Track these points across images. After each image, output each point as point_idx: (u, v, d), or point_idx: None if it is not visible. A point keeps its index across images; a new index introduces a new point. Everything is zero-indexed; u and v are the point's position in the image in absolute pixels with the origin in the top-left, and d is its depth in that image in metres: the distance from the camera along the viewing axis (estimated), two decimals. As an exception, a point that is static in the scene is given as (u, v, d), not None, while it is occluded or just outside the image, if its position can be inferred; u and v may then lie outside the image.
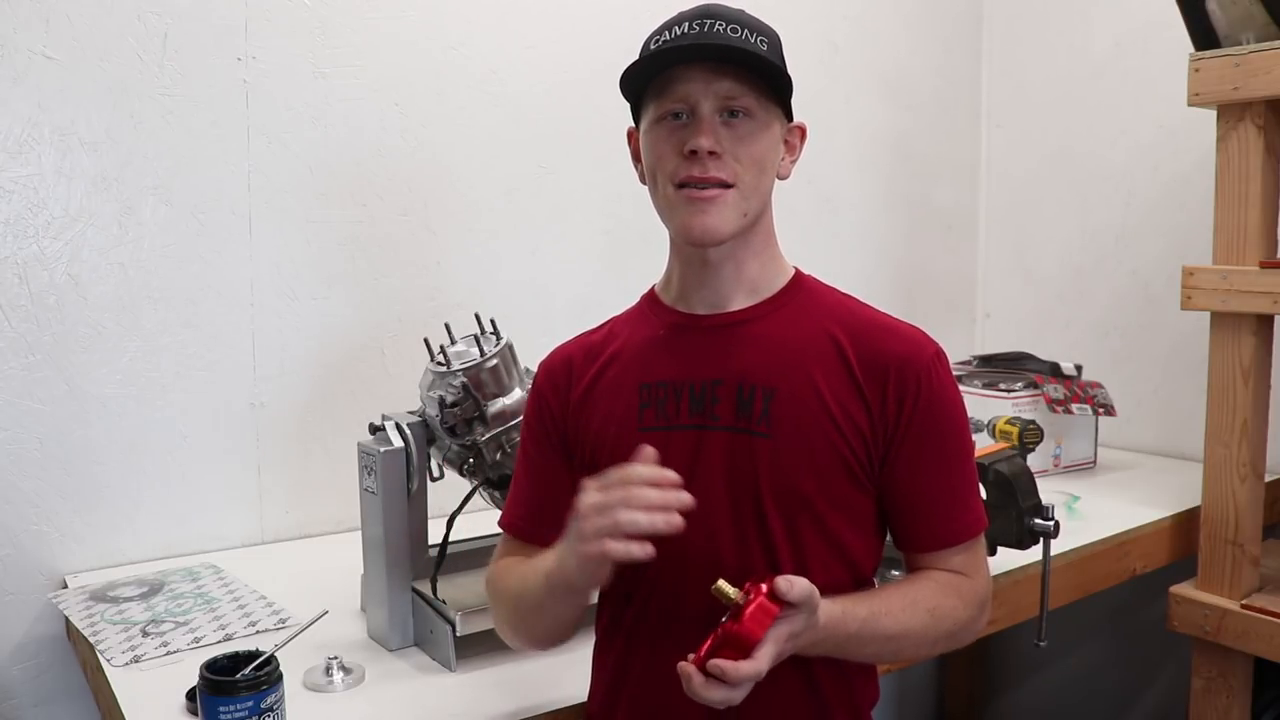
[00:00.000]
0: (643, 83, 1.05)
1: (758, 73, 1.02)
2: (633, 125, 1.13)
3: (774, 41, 1.06)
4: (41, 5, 1.55)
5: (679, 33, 1.03)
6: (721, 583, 0.90)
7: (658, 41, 1.05)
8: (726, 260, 1.08)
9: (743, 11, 1.06)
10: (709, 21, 1.02)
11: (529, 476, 1.17)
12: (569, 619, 1.08)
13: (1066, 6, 2.57)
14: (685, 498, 0.90)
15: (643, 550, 0.89)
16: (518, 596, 1.09)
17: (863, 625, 0.98)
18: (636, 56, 1.06)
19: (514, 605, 1.11)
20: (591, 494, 0.92)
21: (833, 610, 0.96)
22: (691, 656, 0.89)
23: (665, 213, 1.07)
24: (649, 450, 0.95)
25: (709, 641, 0.89)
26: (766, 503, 1.03)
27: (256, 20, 1.73)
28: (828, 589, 1.03)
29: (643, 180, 1.12)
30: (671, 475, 0.91)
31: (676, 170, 1.03)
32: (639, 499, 0.89)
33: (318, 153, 1.81)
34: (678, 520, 0.90)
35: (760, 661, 0.87)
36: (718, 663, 0.86)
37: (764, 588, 0.89)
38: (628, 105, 1.12)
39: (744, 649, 0.87)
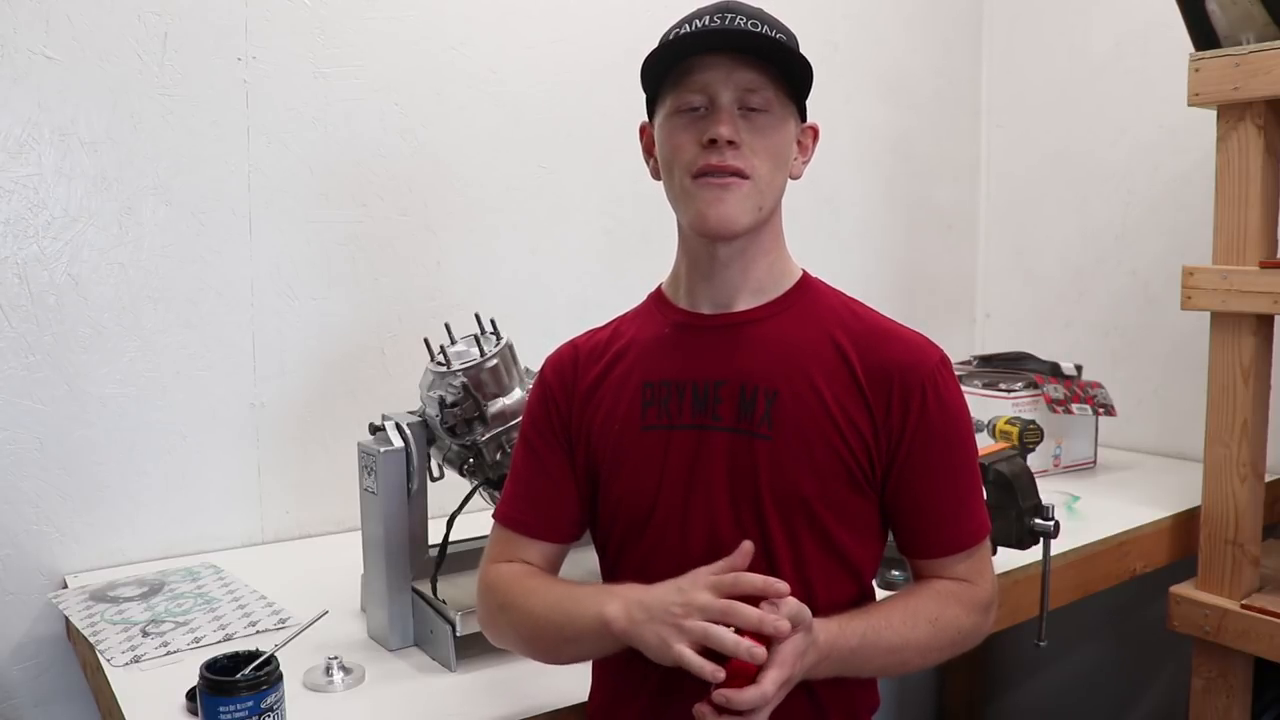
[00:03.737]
0: (661, 73, 1.05)
1: (778, 67, 1.02)
2: (645, 120, 1.12)
3: (792, 38, 1.06)
4: (42, 5, 1.55)
5: (699, 26, 1.03)
6: None
7: (677, 34, 1.04)
8: (735, 258, 1.07)
9: (762, 9, 1.05)
10: (729, 15, 1.02)
11: (530, 469, 1.16)
12: (603, 655, 1.08)
13: (1067, 7, 2.57)
14: (783, 627, 0.90)
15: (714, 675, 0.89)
16: (549, 621, 1.05)
17: (862, 640, 0.99)
18: (640, 56, 1.06)
19: (539, 627, 1.07)
20: (705, 595, 0.92)
21: (829, 627, 0.96)
22: (707, 698, 0.90)
23: (680, 203, 1.06)
24: (748, 546, 0.96)
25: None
26: (766, 504, 1.03)
27: (256, 20, 1.73)
28: (827, 592, 1.04)
29: (654, 175, 1.11)
30: (784, 625, 0.90)
31: (694, 160, 1.02)
32: (742, 619, 0.90)
33: (318, 153, 1.81)
34: (761, 655, 0.89)
35: (765, 685, 0.88)
36: (722, 692, 0.87)
37: None
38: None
39: (746, 678, 0.88)
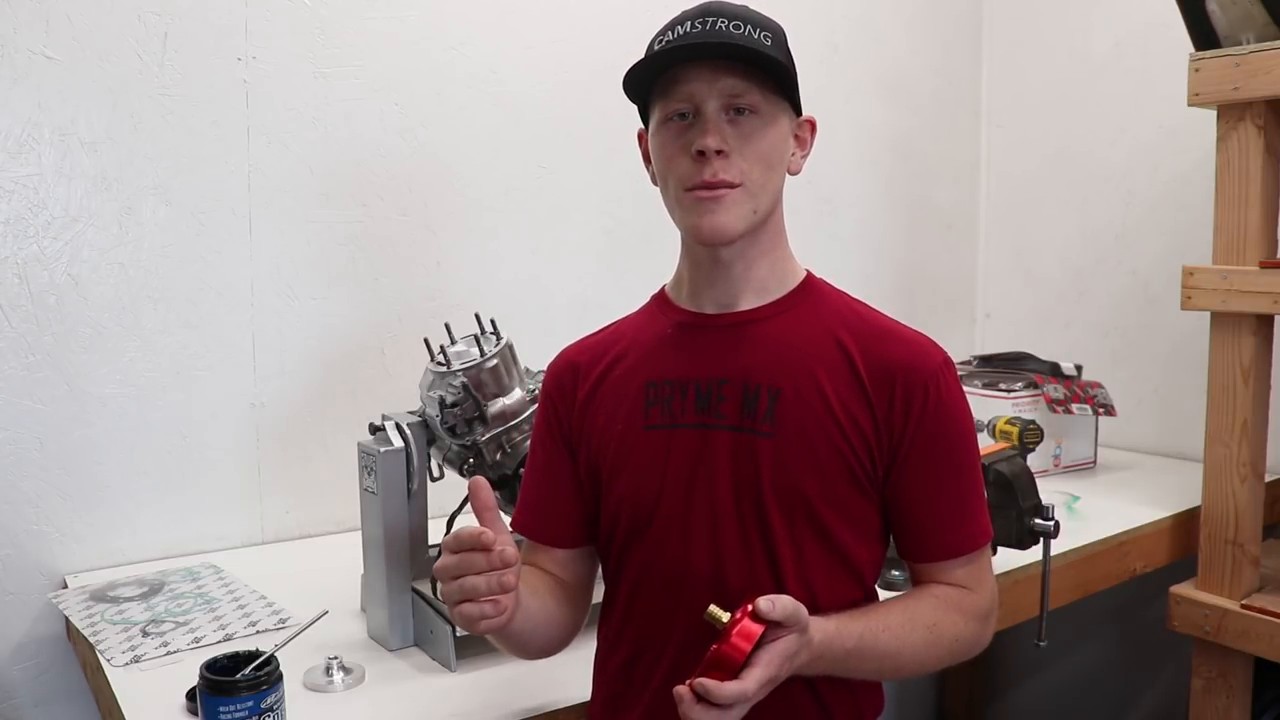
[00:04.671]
0: (648, 84, 1.05)
1: (762, 68, 1.01)
2: (642, 127, 1.12)
3: (778, 36, 1.05)
4: (41, 5, 1.55)
5: (681, 32, 1.02)
6: (713, 607, 0.92)
7: (661, 42, 1.04)
8: (737, 259, 1.07)
9: (746, 7, 1.05)
10: (711, 19, 1.02)
11: (537, 477, 1.17)
12: (519, 640, 1.07)
13: (1067, 7, 2.57)
14: (510, 555, 0.91)
15: (497, 617, 0.91)
16: None
17: (859, 641, 0.98)
18: (638, 57, 1.06)
19: None
20: (445, 556, 0.92)
21: (826, 627, 0.96)
22: (688, 681, 0.90)
23: (676, 214, 1.07)
24: (478, 481, 0.97)
25: (701, 666, 0.90)
26: (769, 503, 1.03)
27: (256, 20, 1.73)
28: (828, 594, 1.04)
29: (654, 181, 1.11)
30: (488, 536, 0.91)
31: (688, 174, 1.02)
32: (471, 566, 0.90)
33: (318, 153, 1.81)
34: (510, 580, 0.90)
35: (747, 683, 0.87)
36: (702, 681, 0.87)
37: (747, 607, 0.90)
38: (628, 105, 1.11)
39: (730, 670, 0.88)
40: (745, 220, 1.03)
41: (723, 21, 1.01)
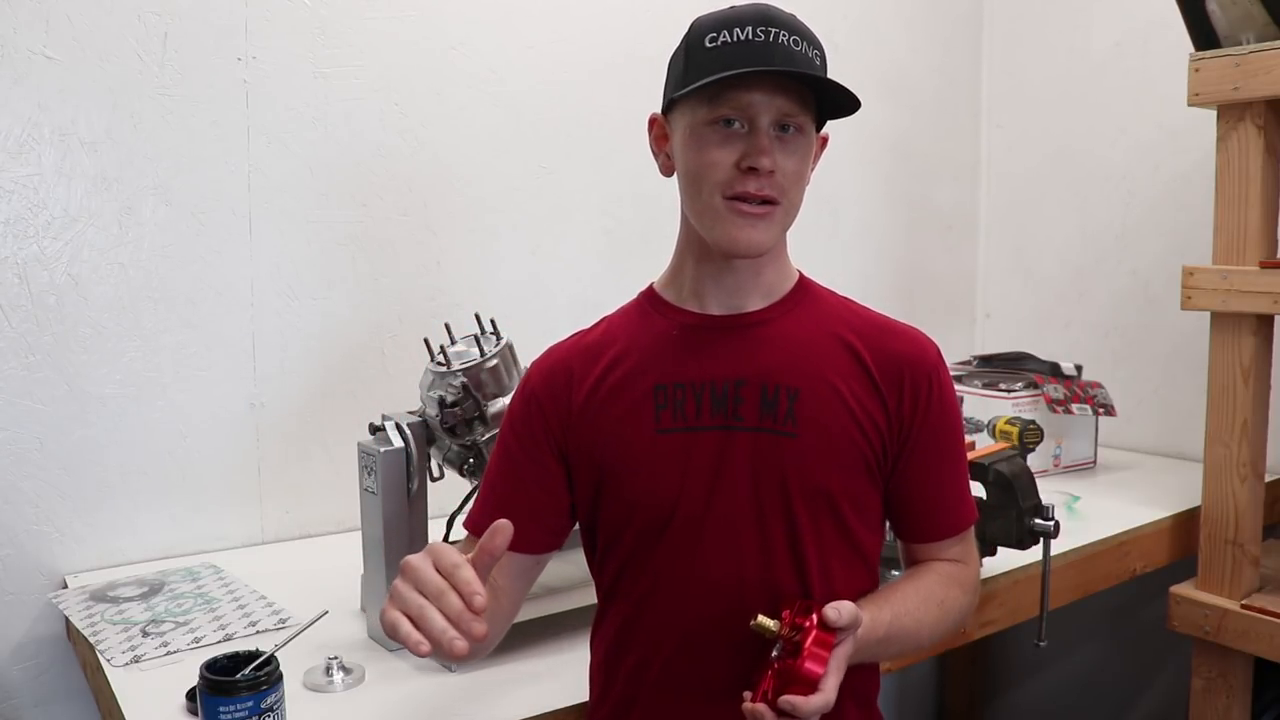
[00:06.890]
0: (695, 76, 1.01)
1: (814, 91, 1.02)
2: (656, 113, 1.10)
3: (823, 53, 1.05)
4: (42, 6, 1.55)
5: (740, 37, 0.99)
6: (761, 618, 0.93)
7: (713, 40, 1.00)
8: (748, 264, 1.07)
9: (794, 18, 1.03)
10: (773, 30, 0.99)
11: (504, 478, 1.12)
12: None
13: (1067, 6, 2.57)
14: (478, 630, 0.81)
15: (424, 649, 0.81)
16: None
17: (889, 628, 1.02)
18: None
19: None
20: (416, 570, 0.84)
21: (862, 619, 0.98)
22: (749, 695, 0.91)
23: (705, 219, 1.04)
24: (502, 524, 0.86)
25: (767, 679, 0.91)
26: (795, 502, 1.04)
27: (256, 20, 1.73)
28: (846, 584, 1.06)
29: (664, 172, 1.10)
30: (480, 599, 0.82)
31: (730, 182, 1.00)
32: (447, 606, 0.82)
33: (318, 153, 1.81)
34: (462, 645, 0.80)
35: (828, 693, 0.90)
36: (790, 699, 0.88)
37: (814, 619, 0.91)
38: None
39: (810, 683, 0.89)
40: (777, 237, 1.05)
41: (783, 35, 0.99)
